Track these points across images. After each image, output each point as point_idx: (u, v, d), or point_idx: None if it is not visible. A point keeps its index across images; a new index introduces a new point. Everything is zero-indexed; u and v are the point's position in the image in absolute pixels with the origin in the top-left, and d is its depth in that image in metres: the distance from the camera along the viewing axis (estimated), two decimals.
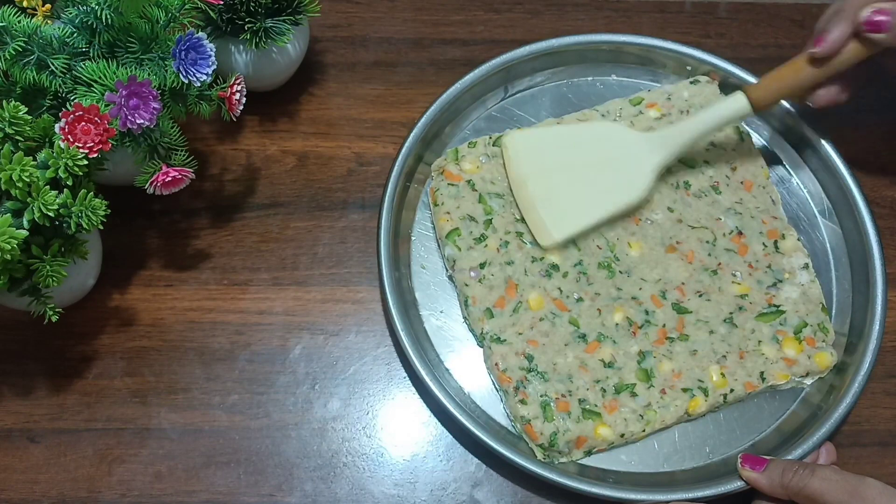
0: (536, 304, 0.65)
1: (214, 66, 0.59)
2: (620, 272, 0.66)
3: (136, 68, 0.59)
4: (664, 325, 0.64)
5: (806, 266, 0.67)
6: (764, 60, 0.77)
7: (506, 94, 0.74)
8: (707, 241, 0.67)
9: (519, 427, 0.62)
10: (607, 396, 0.62)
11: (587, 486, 0.59)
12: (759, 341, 0.64)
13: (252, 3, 0.64)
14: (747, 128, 0.72)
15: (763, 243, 0.67)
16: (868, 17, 0.59)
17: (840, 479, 0.53)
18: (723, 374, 0.63)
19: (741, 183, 0.69)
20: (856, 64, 0.62)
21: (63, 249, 0.57)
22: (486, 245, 0.66)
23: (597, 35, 0.74)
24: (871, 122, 0.74)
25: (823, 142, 0.70)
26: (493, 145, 0.70)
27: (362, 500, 0.61)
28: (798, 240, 0.68)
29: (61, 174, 0.54)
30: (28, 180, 0.53)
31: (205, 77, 0.58)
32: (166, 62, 0.59)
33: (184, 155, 0.61)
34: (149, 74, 0.59)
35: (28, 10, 0.59)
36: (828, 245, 0.69)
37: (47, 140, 0.57)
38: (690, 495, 0.58)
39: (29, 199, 0.54)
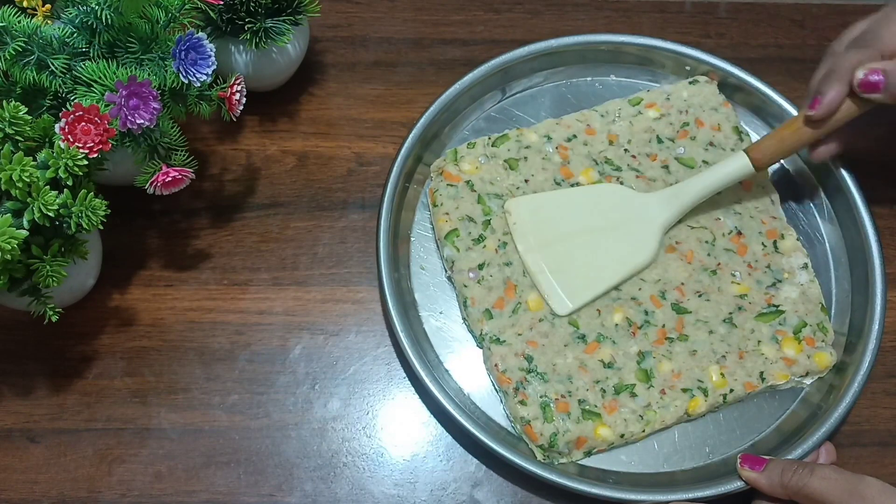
0: (536, 305, 0.65)
1: (214, 67, 0.59)
2: None
3: (136, 68, 0.59)
4: (664, 326, 0.64)
5: (805, 266, 0.67)
6: (764, 60, 0.77)
7: (505, 95, 0.74)
8: (706, 241, 0.67)
9: (519, 428, 0.62)
10: (607, 397, 0.62)
11: (587, 486, 0.59)
12: (759, 341, 0.64)
13: (252, 3, 0.64)
14: (746, 127, 0.72)
15: (762, 243, 0.67)
16: (864, 79, 0.59)
17: (839, 477, 0.53)
18: (722, 375, 0.63)
19: (740, 183, 0.69)
20: (851, 120, 0.63)
21: (63, 249, 0.57)
22: (485, 246, 0.66)
23: (596, 35, 0.74)
24: (870, 122, 0.74)
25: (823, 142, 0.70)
26: (493, 146, 0.70)
27: (362, 500, 0.61)
28: (797, 240, 0.68)
29: (61, 174, 0.54)
30: (28, 180, 0.53)
31: (205, 77, 0.59)
32: (166, 62, 0.59)
33: (184, 155, 0.61)
34: (149, 74, 0.59)
35: (28, 10, 0.59)
36: (827, 245, 0.69)
37: (47, 140, 0.57)
38: (690, 495, 0.58)
39: (29, 199, 0.54)
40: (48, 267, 0.56)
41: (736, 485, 0.59)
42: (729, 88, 0.73)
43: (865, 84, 0.60)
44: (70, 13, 0.59)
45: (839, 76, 0.60)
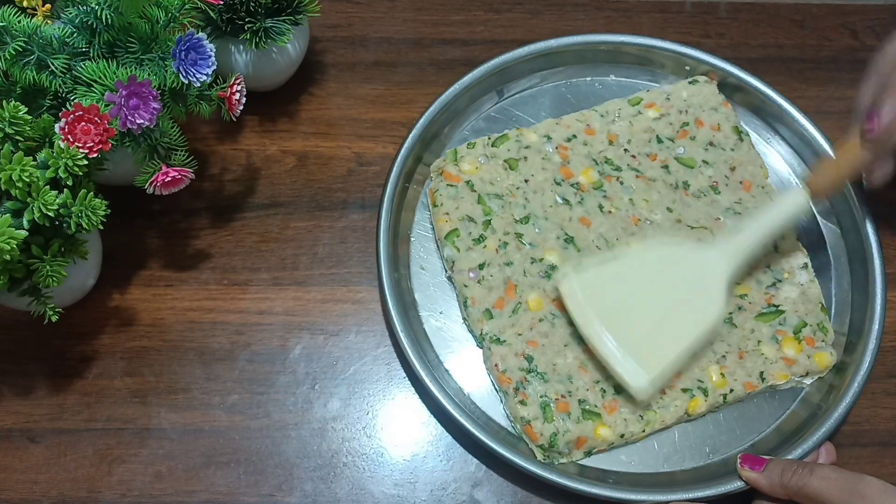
0: (536, 305, 0.65)
1: (214, 67, 0.59)
2: None
3: (136, 68, 0.59)
4: None
5: (805, 266, 0.67)
6: (764, 60, 0.77)
7: (505, 95, 0.74)
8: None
9: (519, 428, 0.62)
10: (607, 397, 0.62)
11: (587, 486, 0.59)
12: (759, 341, 0.64)
13: (252, 3, 0.64)
14: (746, 127, 0.72)
15: None
16: None
17: (839, 477, 0.53)
18: (722, 374, 0.63)
19: (740, 183, 0.69)
20: None
21: (63, 249, 0.57)
22: (485, 246, 0.66)
23: (595, 35, 0.74)
24: None
25: (823, 142, 0.70)
26: (492, 146, 0.70)
27: (362, 500, 0.61)
28: (797, 239, 0.68)
29: (61, 174, 0.54)
30: (28, 180, 0.53)
31: (205, 77, 0.59)
32: (166, 62, 0.59)
33: (184, 155, 0.61)
34: (149, 74, 0.59)
35: (28, 10, 0.59)
36: (827, 245, 0.69)
37: (47, 140, 0.57)
38: (690, 495, 0.58)
39: (29, 199, 0.54)
40: (48, 267, 0.56)
41: (736, 485, 0.59)
42: (729, 88, 0.73)
43: None
44: (70, 13, 0.59)
45: (893, 90, 0.58)
